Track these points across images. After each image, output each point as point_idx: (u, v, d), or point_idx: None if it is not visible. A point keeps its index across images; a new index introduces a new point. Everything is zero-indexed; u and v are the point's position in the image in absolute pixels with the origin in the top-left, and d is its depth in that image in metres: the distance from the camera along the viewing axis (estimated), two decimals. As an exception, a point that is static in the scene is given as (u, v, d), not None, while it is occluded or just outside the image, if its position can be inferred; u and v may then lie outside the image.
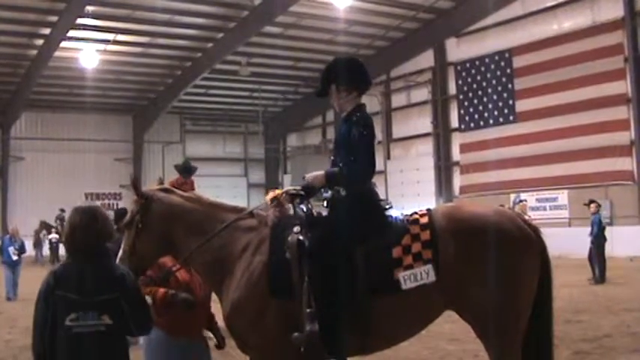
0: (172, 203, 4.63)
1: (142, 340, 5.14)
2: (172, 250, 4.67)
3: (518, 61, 27.83)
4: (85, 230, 3.67)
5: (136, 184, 4.70)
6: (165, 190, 4.78)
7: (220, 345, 5.16)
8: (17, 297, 16.03)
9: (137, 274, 4.47)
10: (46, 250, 29.48)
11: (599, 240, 16.31)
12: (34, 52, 29.21)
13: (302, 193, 4.56)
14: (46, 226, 30.29)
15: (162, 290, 4.68)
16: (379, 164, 30.18)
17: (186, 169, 11.12)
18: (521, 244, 4.33)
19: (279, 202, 4.62)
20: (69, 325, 3.51)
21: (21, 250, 17.08)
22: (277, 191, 4.75)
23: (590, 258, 16.37)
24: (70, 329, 3.51)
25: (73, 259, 3.73)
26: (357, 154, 4.46)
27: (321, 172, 4.55)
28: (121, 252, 4.58)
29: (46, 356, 3.57)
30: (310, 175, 4.57)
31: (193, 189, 9.81)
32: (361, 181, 4.52)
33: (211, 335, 5.12)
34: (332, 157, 4.75)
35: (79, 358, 3.52)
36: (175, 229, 4.56)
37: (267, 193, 5.43)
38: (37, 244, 29.77)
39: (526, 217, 5.22)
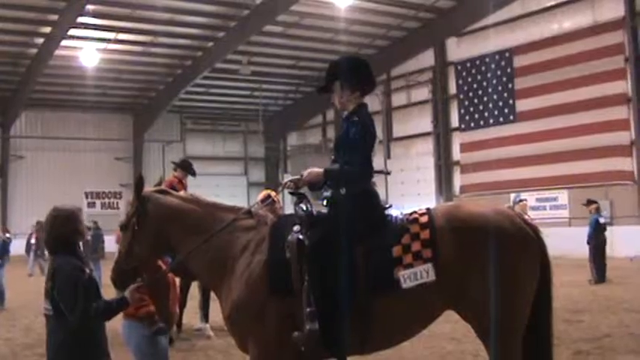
0: (169, 204, 4.63)
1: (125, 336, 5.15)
2: (169, 251, 4.67)
3: (519, 61, 27.81)
4: (45, 229, 4.52)
5: (139, 185, 4.67)
6: (162, 192, 4.77)
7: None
8: (4, 306, 13.82)
9: (134, 276, 4.48)
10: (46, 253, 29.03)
11: (596, 241, 16.24)
12: (35, 50, 29.18)
13: (301, 192, 4.57)
14: (41, 227, 29.88)
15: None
16: (380, 164, 30.66)
17: (184, 166, 10.86)
18: (520, 244, 4.32)
19: (273, 201, 4.63)
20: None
21: (2, 250, 14.75)
22: (271, 191, 4.77)
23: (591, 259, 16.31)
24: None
25: None
26: (354, 154, 4.46)
27: (319, 169, 4.54)
28: (117, 254, 4.58)
29: None
30: (306, 172, 4.57)
31: (186, 189, 9.71)
32: (358, 182, 4.51)
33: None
34: (332, 157, 4.75)
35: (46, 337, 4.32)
36: (173, 230, 4.57)
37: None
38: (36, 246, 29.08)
39: (526, 217, 5.22)
